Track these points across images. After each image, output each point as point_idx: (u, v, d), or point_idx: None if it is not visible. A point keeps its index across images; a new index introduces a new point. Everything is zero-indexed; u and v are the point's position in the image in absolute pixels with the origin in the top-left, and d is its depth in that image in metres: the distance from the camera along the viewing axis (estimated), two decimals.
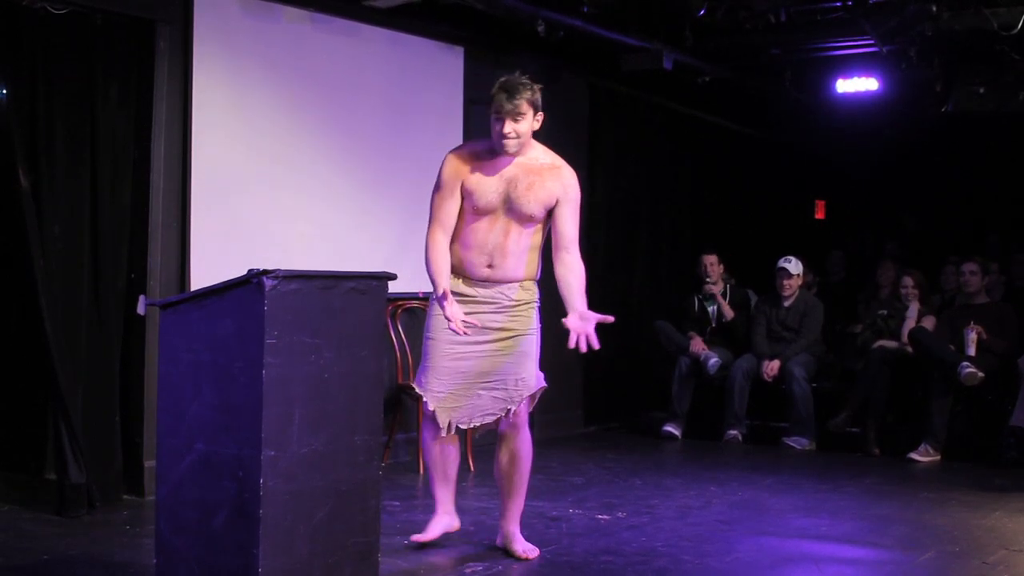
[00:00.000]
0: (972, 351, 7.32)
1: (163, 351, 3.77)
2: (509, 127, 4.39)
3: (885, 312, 8.10)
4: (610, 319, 4.32)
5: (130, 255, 5.50)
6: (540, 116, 4.47)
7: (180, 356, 3.70)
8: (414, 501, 5.72)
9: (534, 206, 4.46)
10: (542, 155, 4.55)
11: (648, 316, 8.75)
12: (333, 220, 6.38)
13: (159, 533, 3.74)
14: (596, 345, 4.26)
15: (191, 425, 3.65)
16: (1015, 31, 6.96)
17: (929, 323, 7.69)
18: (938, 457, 7.28)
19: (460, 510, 4.88)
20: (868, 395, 7.68)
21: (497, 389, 4.52)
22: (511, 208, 4.46)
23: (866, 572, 4.79)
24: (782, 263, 8.16)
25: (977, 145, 9.80)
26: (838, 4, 7.24)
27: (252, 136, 5.93)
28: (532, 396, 4.57)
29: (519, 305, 4.54)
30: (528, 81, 4.44)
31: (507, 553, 4.64)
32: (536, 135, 4.54)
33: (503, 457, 4.64)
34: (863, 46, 7.98)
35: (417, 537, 4.68)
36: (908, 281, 7.95)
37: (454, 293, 4.45)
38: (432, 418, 4.56)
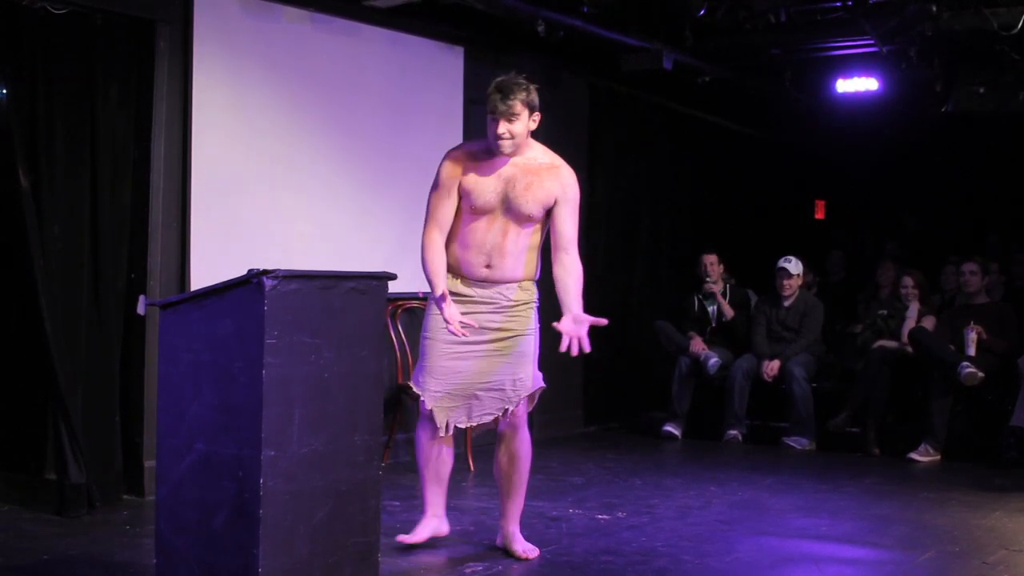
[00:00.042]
0: (972, 351, 7.32)
1: (163, 351, 3.77)
2: (504, 127, 4.38)
3: (885, 312, 8.09)
4: (604, 322, 4.32)
5: (130, 255, 5.50)
6: (537, 116, 4.46)
7: (180, 356, 3.70)
8: (414, 501, 5.69)
9: (532, 206, 4.45)
10: (541, 155, 4.54)
11: (648, 316, 8.75)
12: (333, 220, 6.38)
13: (159, 533, 3.74)
14: (588, 348, 4.26)
15: (191, 425, 3.65)
16: (1015, 31, 6.97)
17: (929, 323, 7.68)
18: (938, 457, 7.28)
19: (460, 510, 4.89)
20: (868, 395, 7.68)
21: (495, 389, 4.51)
22: (509, 208, 4.45)
23: (866, 572, 4.79)
24: (782, 263, 8.16)
25: (977, 145, 9.80)
26: (838, 4, 7.24)
27: (252, 136, 5.93)
28: (531, 396, 4.56)
29: (517, 305, 4.53)
30: (523, 81, 4.42)
31: (507, 553, 4.64)
32: (536, 135, 4.53)
33: (502, 457, 4.63)
34: (863, 46, 7.98)
35: (404, 538, 4.64)
36: (908, 281, 7.95)
37: (452, 293, 4.45)
38: (429, 417, 4.55)
